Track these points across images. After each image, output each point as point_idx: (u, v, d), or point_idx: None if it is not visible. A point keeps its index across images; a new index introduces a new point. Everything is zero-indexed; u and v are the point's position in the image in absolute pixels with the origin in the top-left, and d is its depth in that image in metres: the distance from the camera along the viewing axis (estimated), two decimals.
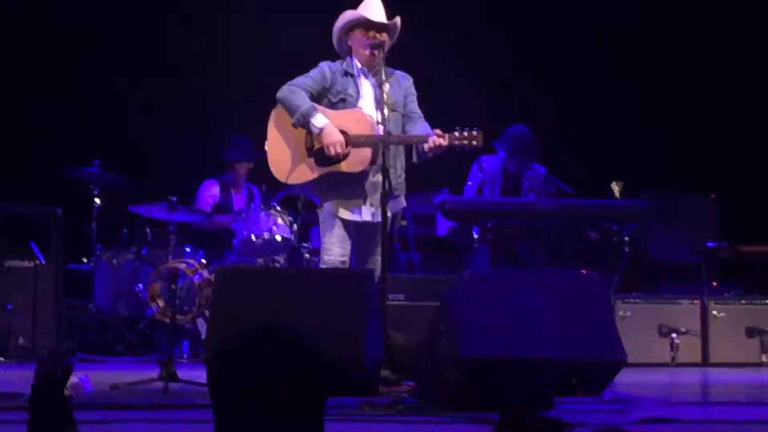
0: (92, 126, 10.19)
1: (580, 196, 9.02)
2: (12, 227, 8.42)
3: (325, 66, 6.68)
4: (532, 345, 5.26)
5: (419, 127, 6.61)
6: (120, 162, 9.33)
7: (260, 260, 8.72)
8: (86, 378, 5.36)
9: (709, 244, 9.39)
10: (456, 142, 6.41)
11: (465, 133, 6.42)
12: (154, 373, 6.06)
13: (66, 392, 5.19)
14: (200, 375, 4.72)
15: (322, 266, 6.62)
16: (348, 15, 6.64)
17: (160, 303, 7.50)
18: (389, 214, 6.32)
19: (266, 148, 6.68)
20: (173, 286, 6.96)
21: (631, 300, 8.64)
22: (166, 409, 5.21)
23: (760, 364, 8.46)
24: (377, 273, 6.33)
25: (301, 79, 6.62)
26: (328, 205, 6.60)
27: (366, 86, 6.64)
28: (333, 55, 6.73)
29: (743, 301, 8.79)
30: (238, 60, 10.12)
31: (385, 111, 6.35)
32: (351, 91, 6.62)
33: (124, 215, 9.18)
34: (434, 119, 6.64)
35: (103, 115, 10.19)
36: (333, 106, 6.60)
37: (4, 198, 8.65)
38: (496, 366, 5.15)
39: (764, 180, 10.44)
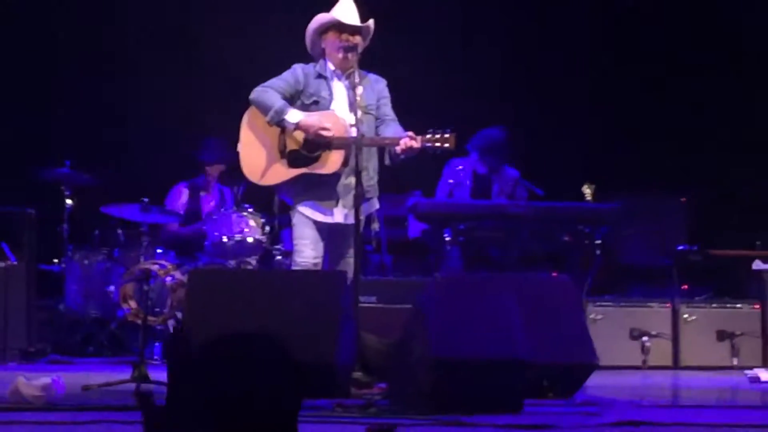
0: (63, 126, 10.13)
1: (552, 199, 9.04)
2: None
3: (298, 68, 6.67)
4: (504, 347, 5.27)
5: (392, 129, 6.61)
6: (92, 162, 9.29)
7: (232, 262, 8.69)
8: (58, 379, 5.37)
9: (680, 248, 9.44)
10: (428, 144, 6.41)
11: (437, 135, 6.41)
12: (126, 375, 6.06)
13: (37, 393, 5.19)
14: None
15: (295, 268, 6.60)
16: (321, 17, 6.63)
17: (132, 304, 7.47)
18: (362, 216, 6.33)
19: (239, 149, 6.68)
20: (145, 287, 6.95)
21: (603, 303, 8.68)
22: (139, 410, 5.18)
23: (731, 368, 8.48)
24: (350, 275, 6.32)
25: (274, 81, 6.62)
26: (300, 207, 6.60)
27: (339, 89, 6.64)
28: (307, 58, 6.73)
29: (714, 305, 8.84)
30: (212, 61, 10.09)
31: (358, 113, 6.36)
32: (324, 93, 6.62)
33: (96, 216, 9.13)
34: (408, 122, 6.65)
35: (75, 115, 10.11)
36: (306, 108, 6.59)
37: None
38: (468, 367, 5.16)
39: (734, 184, 10.48)
